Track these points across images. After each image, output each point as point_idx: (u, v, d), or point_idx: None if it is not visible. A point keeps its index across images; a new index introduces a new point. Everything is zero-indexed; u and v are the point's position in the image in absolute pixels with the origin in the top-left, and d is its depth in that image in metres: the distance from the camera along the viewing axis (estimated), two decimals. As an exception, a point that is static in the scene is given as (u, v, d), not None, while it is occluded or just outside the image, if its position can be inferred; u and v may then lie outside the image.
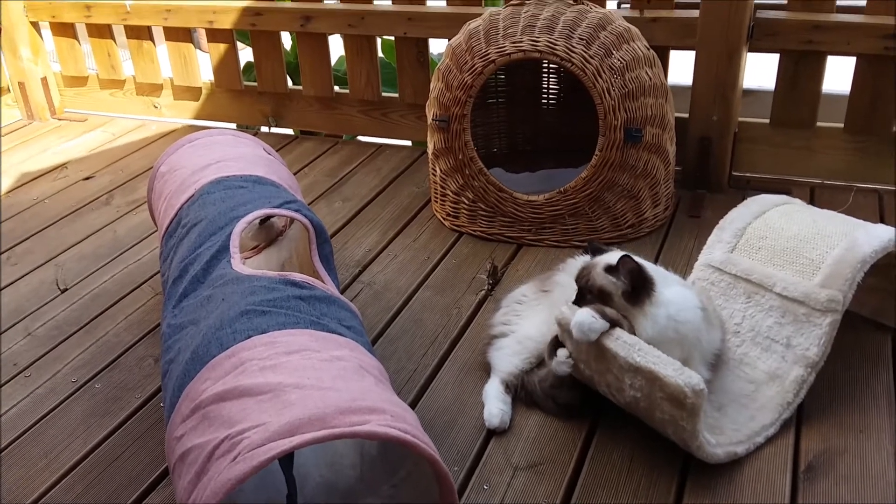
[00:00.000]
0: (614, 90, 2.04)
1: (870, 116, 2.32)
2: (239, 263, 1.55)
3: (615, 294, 1.45)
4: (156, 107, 3.36)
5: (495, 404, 1.57)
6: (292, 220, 1.85)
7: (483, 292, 2.01)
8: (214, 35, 3.07)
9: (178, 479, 1.19)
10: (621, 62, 2.06)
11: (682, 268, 1.99)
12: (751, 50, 2.35)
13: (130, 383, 1.77)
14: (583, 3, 2.19)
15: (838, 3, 2.29)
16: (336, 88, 3.01)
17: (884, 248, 1.54)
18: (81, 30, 3.36)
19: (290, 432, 1.09)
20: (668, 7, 2.42)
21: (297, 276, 1.50)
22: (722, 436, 1.45)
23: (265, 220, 1.99)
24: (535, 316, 1.67)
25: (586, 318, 1.39)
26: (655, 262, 2.00)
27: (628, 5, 2.50)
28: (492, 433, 1.55)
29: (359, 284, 2.09)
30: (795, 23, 2.29)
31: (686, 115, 2.43)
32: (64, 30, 3.35)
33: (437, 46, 2.97)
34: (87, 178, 2.88)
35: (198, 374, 1.27)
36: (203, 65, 3.23)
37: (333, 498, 1.39)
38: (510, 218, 2.22)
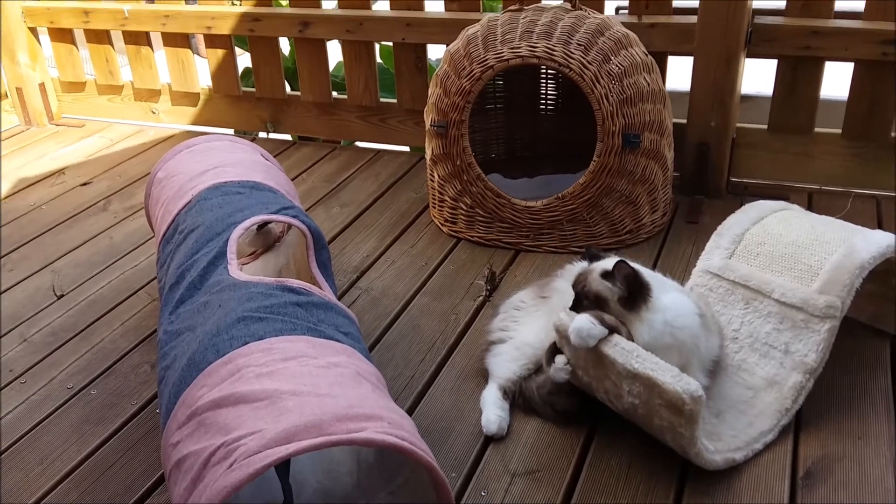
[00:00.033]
0: (612, 96, 2.04)
1: (868, 122, 2.32)
2: (236, 269, 1.55)
3: (611, 300, 1.45)
4: (154, 112, 3.36)
5: (493, 411, 1.56)
6: (290, 225, 1.85)
7: (481, 298, 2.01)
8: (213, 41, 3.07)
9: (173, 486, 1.19)
10: (619, 68, 2.06)
11: (680, 274, 1.99)
12: (749, 56, 2.35)
13: (126, 390, 1.76)
14: (581, 9, 2.19)
15: (836, 8, 2.29)
16: (334, 94, 3.02)
17: (882, 254, 1.54)
18: (80, 35, 3.36)
19: (286, 439, 1.08)
20: (665, 13, 2.43)
21: (295, 283, 1.49)
22: (720, 442, 1.44)
23: (262, 225, 1.99)
24: (533, 322, 1.67)
25: (585, 324, 1.39)
26: (654, 267, 1.99)
27: (626, 11, 2.50)
28: (489, 440, 1.54)
29: (356, 290, 2.09)
30: (793, 28, 2.29)
31: (684, 121, 2.43)
32: (62, 35, 3.35)
33: (435, 52, 2.97)
34: (84, 184, 2.87)
35: (194, 380, 1.27)
36: (201, 70, 3.23)
37: (330, 505, 1.38)
38: (508, 224, 2.21)
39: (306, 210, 2.29)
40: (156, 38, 3.21)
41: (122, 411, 1.70)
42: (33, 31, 3.37)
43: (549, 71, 2.56)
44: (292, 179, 2.64)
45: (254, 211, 1.71)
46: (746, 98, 2.47)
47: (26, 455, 1.59)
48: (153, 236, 2.07)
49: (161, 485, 1.49)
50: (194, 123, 3.31)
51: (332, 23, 2.84)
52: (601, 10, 2.43)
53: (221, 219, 1.69)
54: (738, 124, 2.45)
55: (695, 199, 2.44)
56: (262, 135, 3.25)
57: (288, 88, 3.13)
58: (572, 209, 2.15)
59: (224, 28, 3.00)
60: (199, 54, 3.35)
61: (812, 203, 2.37)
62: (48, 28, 3.35)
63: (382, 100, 2.94)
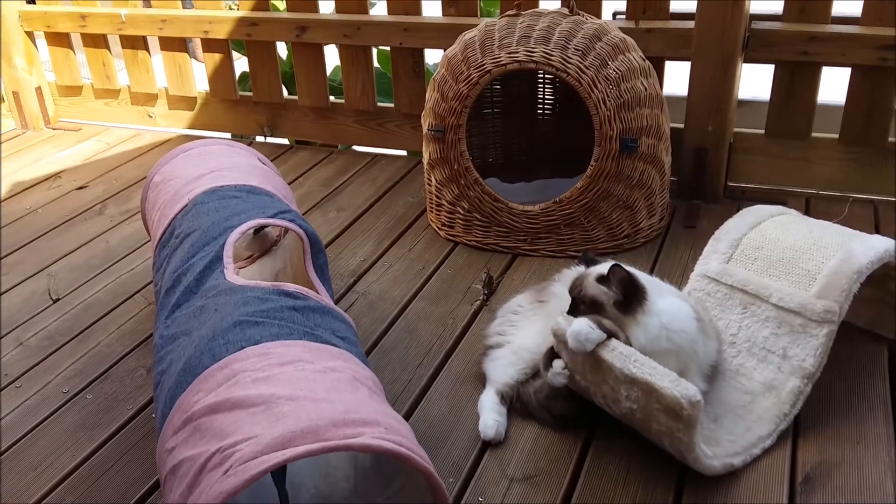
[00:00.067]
0: (610, 101, 2.04)
1: (865, 127, 2.33)
2: (232, 274, 1.54)
3: (607, 304, 1.45)
4: (151, 116, 3.35)
5: (491, 415, 1.55)
6: (286, 230, 1.84)
7: (478, 302, 2.00)
8: (210, 45, 3.07)
9: (169, 491, 1.18)
10: (617, 73, 2.06)
11: (678, 278, 1.99)
12: (746, 61, 2.35)
13: (122, 394, 1.75)
14: (578, 14, 2.20)
15: (833, 13, 2.29)
16: (331, 98, 3.01)
17: (880, 259, 1.54)
18: (76, 39, 3.36)
19: (282, 445, 1.08)
20: (663, 18, 2.43)
21: (291, 287, 1.49)
22: (718, 447, 1.44)
23: (259, 230, 1.98)
24: (530, 326, 1.66)
25: (583, 328, 1.38)
26: (651, 272, 2.00)
27: (624, 16, 2.50)
28: (487, 444, 1.53)
29: (353, 294, 2.08)
30: (791, 34, 2.30)
31: (681, 126, 2.43)
32: (59, 39, 3.35)
33: (432, 57, 2.97)
34: (80, 188, 2.86)
35: (190, 385, 1.26)
36: (198, 74, 3.23)
37: (327, 511, 1.37)
38: (505, 228, 2.21)
39: (303, 214, 2.29)
40: (153, 43, 3.21)
41: (117, 416, 1.69)
42: (30, 35, 3.37)
43: (547, 76, 2.56)
44: (289, 183, 2.63)
45: (250, 215, 1.70)
46: (744, 103, 2.48)
47: (21, 460, 1.58)
48: (149, 240, 2.06)
49: (156, 490, 1.48)
50: (191, 127, 3.30)
51: (330, 27, 2.84)
52: (598, 15, 2.43)
53: (218, 223, 1.68)
54: (736, 129, 2.45)
55: (692, 203, 2.44)
56: (260, 139, 3.25)
57: (285, 93, 3.12)
58: (570, 213, 2.15)
59: (221, 32, 3.00)
60: (196, 58, 3.35)
61: (809, 208, 2.37)
62: (45, 32, 3.34)
63: (380, 104, 2.94)
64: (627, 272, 1.44)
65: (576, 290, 1.50)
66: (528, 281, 2.07)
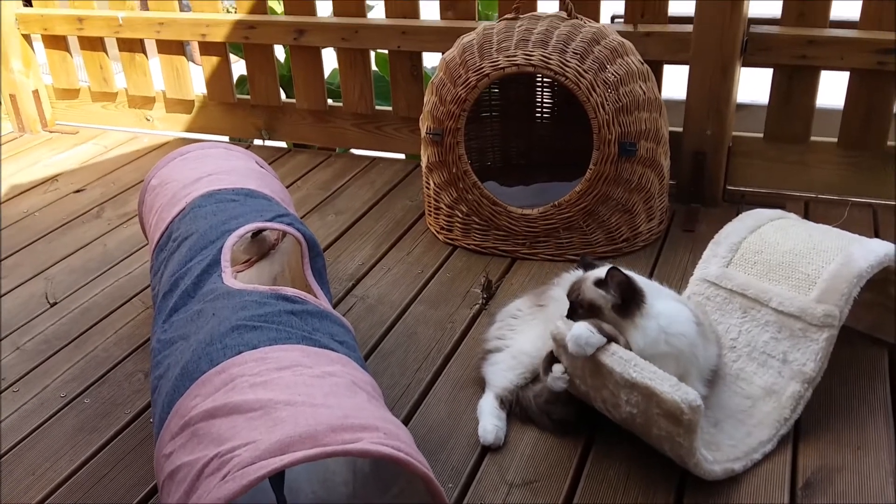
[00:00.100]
0: (608, 104, 2.03)
1: (864, 131, 2.33)
2: (230, 277, 1.54)
3: (605, 307, 1.44)
4: (148, 119, 3.34)
5: (490, 420, 1.55)
6: (284, 233, 1.84)
7: (477, 306, 2.00)
8: (207, 48, 3.06)
9: (166, 497, 1.17)
10: (615, 76, 2.06)
11: (677, 282, 1.98)
12: (744, 64, 2.35)
13: (119, 399, 1.75)
14: (577, 18, 2.19)
15: (831, 17, 2.29)
16: (329, 101, 3.01)
17: (880, 263, 1.54)
18: (73, 42, 3.35)
19: (280, 450, 1.07)
20: (661, 22, 2.43)
21: (289, 291, 1.48)
22: (719, 452, 1.44)
23: (257, 233, 1.98)
24: (529, 330, 1.66)
25: (583, 332, 1.38)
26: (650, 276, 2.00)
27: (622, 20, 2.50)
28: (486, 449, 1.53)
29: (352, 298, 2.08)
30: (789, 38, 2.29)
31: (680, 130, 2.43)
32: (56, 42, 3.34)
33: (430, 60, 2.97)
34: (77, 191, 2.86)
35: (187, 390, 1.26)
36: (196, 78, 3.22)
37: (325, 516, 1.37)
38: (504, 231, 2.21)
39: (301, 217, 2.29)
40: (150, 46, 3.20)
41: (115, 420, 1.68)
42: (27, 37, 3.36)
43: (545, 79, 2.56)
44: (287, 187, 2.63)
45: (248, 218, 1.69)
46: (742, 107, 2.47)
47: (18, 464, 1.57)
48: (147, 244, 2.05)
49: (154, 496, 1.47)
50: (189, 131, 3.30)
51: (328, 31, 2.84)
52: (597, 19, 2.43)
53: (215, 226, 1.67)
54: (735, 133, 2.45)
55: (691, 207, 2.44)
56: (258, 142, 3.24)
57: (283, 96, 3.12)
58: (569, 217, 2.14)
59: (219, 35, 2.99)
60: (193, 61, 3.34)
61: (809, 212, 2.37)
62: (42, 35, 3.33)
63: (378, 107, 2.94)
64: (625, 275, 1.44)
65: (574, 293, 1.50)
66: (527, 285, 2.07)
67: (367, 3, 2.87)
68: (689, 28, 2.33)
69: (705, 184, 2.45)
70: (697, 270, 1.73)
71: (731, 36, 2.26)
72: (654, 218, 2.24)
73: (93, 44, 3.27)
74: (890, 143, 2.32)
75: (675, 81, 2.54)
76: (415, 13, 2.74)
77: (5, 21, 3.26)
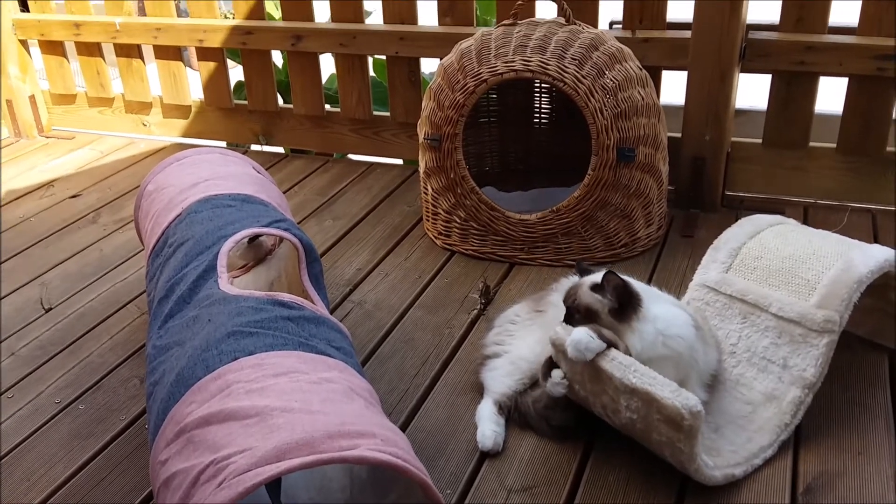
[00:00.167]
0: (607, 110, 2.03)
1: (863, 137, 2.32)
2: (226, 283, 1.53)
3: (602, 312, 1.44)
4: (145, 125, 3.34)
5: (488, 426, 1.54)
6: (281, 238, 1.82)
7: (475, 312, 1.99)
8: (205, 53, 3.06)
9: (161, 504, 1.16)
10: (614, 82, 2.05)
11: (676, 288, 1.98)
12: (743, 70, 2.35)
13: (115, 405, 1.73)
14: (575, 24, 2.19)
15: (830, 23, 2.29)
16: (327, 107, 3.01)
17: (880, 269, 1.53)
18: (70, 48, 3.34)
19: (276, 457, 1.06)
20: (659, 28, 2.43)
21: (286, 297, 1.47)
22: (719, 458, 1.43)
23: (254, 238, 1.96)
24: (528, 336, 1.65)
25: (583, 337, 1.37)
26: (649, 281, 1.99)
27: (620, 26, 2.50)
28: (485, 455, 1.52)
29: (349, 304, 2.07)
30: (787, 44, 2.29)
31: (679, 135, 2.42)
32: (53, 48, 3.34)
33: (428, 66, 2.97)
34: (73, 197, 2.85)
35: (183, 396, 1.24)
36: (193, 83, 3.21)
37: (322, 523, 1.35)
38: (502, 237, 2.20)
39: (298, 223, 2.28)
40: (147, 51, 3.20)
41: (110, 426, 1.67)
42: (24, 43, 3.35)
43: (543, 85, 2.56)
44: (284, 192, 2.62)
45: (245, 224, 1.69)
46: (741, 112, 2.47)
47: (13, 470, 1.56)
48: (143, 249, 2.04)
49: (150, 502, 1.46)
50: (186, 136, 3.29)
51: (325, 36, 2.83)
52: (595, 25, 2.43)
53: (212, 232, 1.67)
54: (733, 138, 2.44)
55: (690, 212, 2.44)
56: (255, 147, 3.24)
57: (280, 101, 3.11)
58: (567, 222, 2.14)
59: (216, 41, 2.99)
60: (191, 67, 3.34)
61: (808, 217, 2.37)
62: (39, 40, 3.33)
63: (376, 113, 2.93)
64: (622, 279, 1.44)
65: (570, 299, 1.49)
66: (525, 290, 2.06)
67: (365, 8, 2.87)
68: (687, 34, 2.33)
69: (704, 189, 2.44)
70: (697, 276, 1.72)
71: (730, 42, 2.26)
72: (652, 223, 2.23)
73: (90, 49, 3.27)
74: (889, 148, 2.32)
75: (674, 87, 2.54)
76: (413, 19, 2.73)
77: (2, 26, 3.25)
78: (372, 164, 2.98)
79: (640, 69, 2.16)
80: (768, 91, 2.38)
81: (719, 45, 2.27)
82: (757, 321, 1.59)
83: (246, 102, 3.11)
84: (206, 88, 3.13)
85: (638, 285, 1.48)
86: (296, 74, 2.96)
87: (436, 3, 2.69)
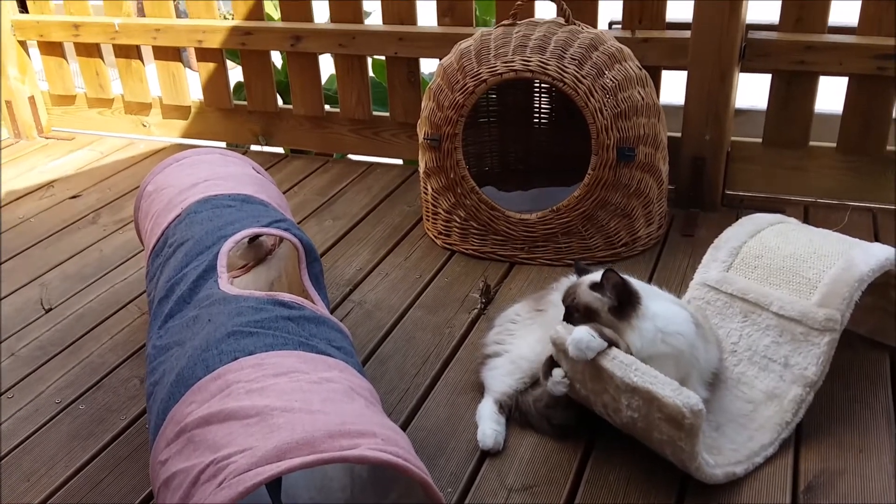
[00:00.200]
0: (606, 110, 2.03)
1: (863, 136, 2.32)
2: (226, 283, 1.52)
3: (601, 310, 1.44)
4: (144, 125, 3.34)
5: (489, 425, 1.54)
6: (281, 238, 1.82)
7: (476, 311, 1.99)
8: (204, 54, 3.06)
9: (162, 504, 1.16)
10: (613, 82, 2.05)
11: (676, 287, 1.97)
12: (743, 70, 2.35)
13: (115, 405, 1.73)
14: (574, 24, 2.19)
15: (830, 23, 2.29)
16: (327, 107, 3.00)
17: (881, 267, 1.53)
18: (70, 49, 3.34)
19: (277, 457, 1.06)
20: (659, 27, 2.43)
21: (286, 296, 1.47)
22: (720, 456, 1.42)
23: (254, 239, 1.96)
24: (529, 335, 1.65)
25: (584, 336, 1.37)
26: (649, 280, 1.98)
27: (620, 26, 2.50)
28: (485, 454, 1.51)
29: (349, 303, 2.07)
30: (787, 43, 2.29)
31: (679, 135, 2.42)
32: (52, 49, 3.33)
33: (427, 66, 2.97)
34: (73, 197, 2.84)
35: (183, 396, 1.24)
36: (192, 83, 3.21)
37: (323, 523, 1.35)
38: (502, 236, 2.20)
39: (298, 223, 2.28)
40: (146, 52, 3.19)
41: (110, 427, 1.66)
42: (23, 44, 3.35)
43: (543, 85, 2.56)
44: (284, 192, 2.61)
45: (244, 224, 1.68)
46: (741, 112, 2.47)
47: (13, 471, 1.55)
48: (142, 250, 2.04)
49: (150, 503, 1.46)
50: (185, 136, 3.29)
51: (325, 37, 2.83)
52: (594, 25, 2.43)
53: (211, 232, 1.66)
54: (733, 138, 2.44)
55: (690, 212, 2.43)
56: (255, 148, 3.24)
57: (280, 101, 3.11)
58: (567, 222, 2.13)
59: (215, 42, 2.99)
60: (190, 67, 3.34)
61: (808, 216, 2.37)
62: (38, 41, 3.33)
63: (375, 113, 2.93)
64: (621, 277, 1.44)
65: (569, 298, 1.49)
66: (525, 290, 2.06)
67: (365, 9, 2.87)
68: (687, 34, 2.33)
69: (704, 189, 2.44)
70: (697, 275, 1.72)
71: (730, 41, 2.26)
72: (652, 223, 2.23)
73: (89, 50, 3.27)
74: (889, 147, 2.32)
75: (674, 87, 2.54)
76: (412, 19, 2.73)
77: (1, 27, 3.25)
78: (372, 164, 2.98)
79: (640, 69, 2.16)
80: (768, 90, 2.38)
81: (719, 44, 2.27)
82: (758, 320, 1.59)
83: (245, 103, 3.10)
84: (206, 89, 3.13)
85: (637, 284, 1.49)
86: (295, 75, 2.96)
87: (435, 3, 2.69)
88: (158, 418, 1.28)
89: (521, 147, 2.66)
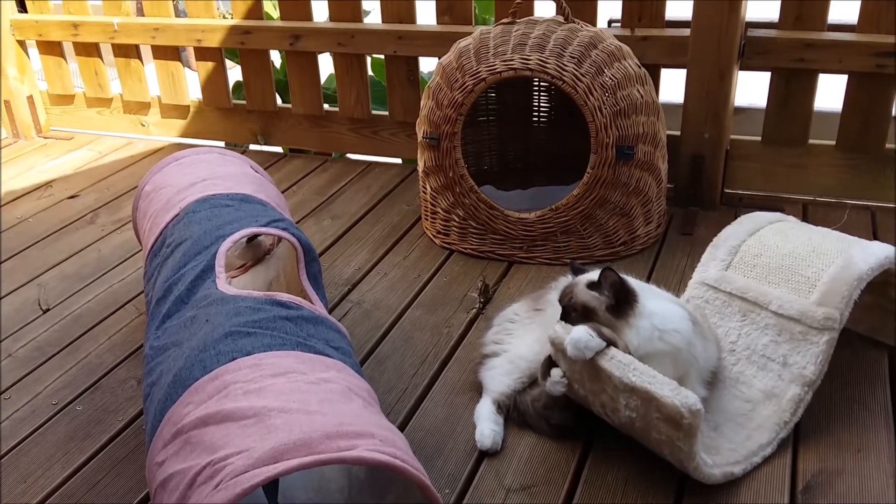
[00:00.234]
0: (606, 108, 2.02)
1: (862, 134, 2.32)
2: (224, 283, 1.52)
3: (599, 309, 1.43)
4: (143, 125, 3.33)
5: (487, 425, 1.53)
6: (280, 238, 1.82)
7: (474, 311, 1.98)
8: (203, 53, 3.05)
9: (158, 505, 1.16)
10: (612, 80, 2.05)
11: (675, 285, 1.97)
12: (742, 68, 2.34)
13: (112, 406, 1.73)
14: (573, 22, 2.19)
15: (829, 21, 2.28)
16: (325, 106, 3.00)
17: (880, 266, 1.53)
18: (68, 48, 3.34)
19: (274, 458, 1.05)
20: (658, 25, 2.42)
21: (284, 296, 1.47)
22: (719, 456, 1.42)
23: (252, 238, 1.96)
24: (527, 335, 1.64)
25: (583, 336, 1.36)
26: (648, 279, 1.98)
27: (619, 24, 2.49)
28: (483, 454, 1.51)
29: (348, 303, 2.06)
30: (787, 41, 2.29)
31: (678, 133, 2.42)
32: (51, 48, 3.33)
33: (427, 65, 2.96)
34: (71, 197, 2.84)
35: (180, 397, 1.24)
36: (192, 83, 3.21)
37: (320, 524, 1.35)
38: (501, 235, 2.19)
39: (297, 222, 2.27)
40: (145, 51, 3.19)
41: (108, 427, 1.66)
42: (22, 43, 3.35)
43: (542, 83, 2.55)
44: (283, 192, 2.62)
45: (243, 224, 1.68)
46: (740, 110, 2.47)
47: (10, 472, 1.55)
48: (141, 250, 2.04)
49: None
50: (184, 136, 3.29)
51: (324, 36, 2.83)
52: (594, 23, 2.43)
53: (210, 232, 1.66)
54: (732, 136, 2.44)
55: (689, 210, 2.43)
56: (253, 147, 3.23)
57: (279, 101, 3.11)
58: (566, 221, 2.13)
59: (214, 41, 2.98)
60: (189, 67, 3.33)
61: (807, 214, 2.36)
62: (37, 41, 3.32)
63: (374, 112, 2.93)
64: (618, 275, 1.44)
65: (566, 297, 1.49)
66: (524, 289, 2.06)
67: (364, 8, 2.87)
68: (686, 32, 2.33)
69: (703, 187, 2.44)
70: (696, 274, 1.71)
71: (729, 39, 2.25)
72: (651, 221, 2.22)
73: (88, 49, 3.26)
74: (888, 145, 2.32)
75: (673, 85, 2.53)
76: (411, 18, 2.73)
77: (1, 27, 3.25)
78: (370, 163, 2.98)
79: (639, 67, 2.15)
80: (767, 88, 2.38)
81: (718, 42, 2.26)
82: (757, 319, 1.58)
83: (244, 102, 3.10)
84: (205, 88, 3.13)
85: (634, 282, 1.48)
86: (294, 74, 2.95)
87: (434, 2, 2.68)
88: (156, 419, 1.28)
89: (520, 146, 2.65)
